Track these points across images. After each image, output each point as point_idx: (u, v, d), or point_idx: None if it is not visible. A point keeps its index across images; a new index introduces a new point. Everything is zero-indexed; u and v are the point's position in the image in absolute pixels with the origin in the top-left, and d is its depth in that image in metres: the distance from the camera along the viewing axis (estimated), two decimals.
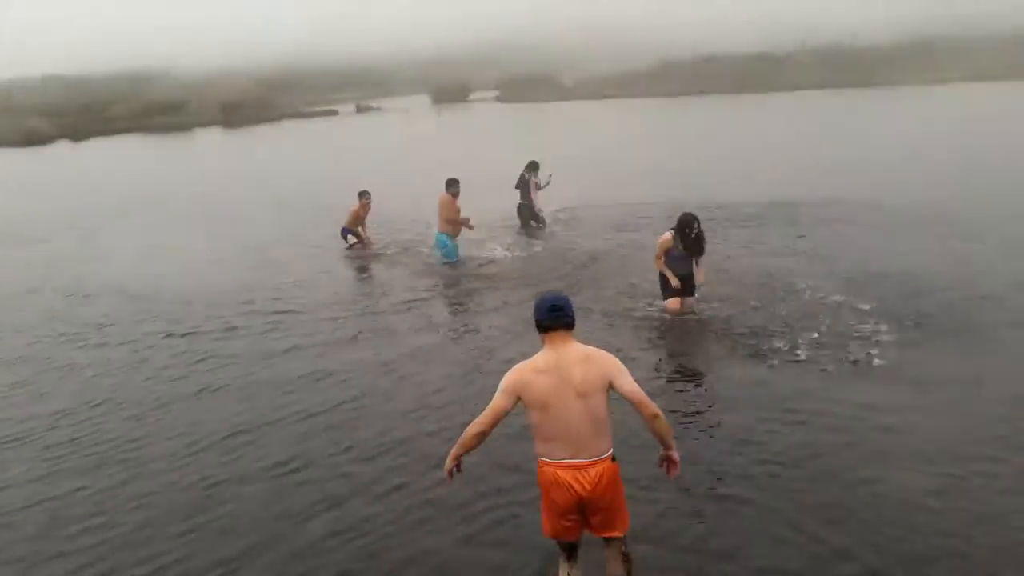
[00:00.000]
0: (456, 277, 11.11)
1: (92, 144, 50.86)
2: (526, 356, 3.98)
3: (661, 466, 4.05)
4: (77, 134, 56.26)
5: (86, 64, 76.99)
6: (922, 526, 4.54)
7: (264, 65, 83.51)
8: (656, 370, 7.35)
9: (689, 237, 8.73)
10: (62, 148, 49.99)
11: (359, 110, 69.61)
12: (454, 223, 11.62)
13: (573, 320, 3.95)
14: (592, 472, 3.81)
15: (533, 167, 13.93)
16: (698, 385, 6.96)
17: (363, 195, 13.55)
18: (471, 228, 12.04)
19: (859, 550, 4.40)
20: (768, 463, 5.37)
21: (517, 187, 14.04)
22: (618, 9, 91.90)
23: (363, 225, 13.78)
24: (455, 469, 3.98)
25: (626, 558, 4.10)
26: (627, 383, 3.82)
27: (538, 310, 3.95)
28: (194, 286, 11.22)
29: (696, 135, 31.19)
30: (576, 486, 3.80)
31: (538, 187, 13.91)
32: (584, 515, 3.94)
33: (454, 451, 3.94)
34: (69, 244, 15.89)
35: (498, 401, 3.88)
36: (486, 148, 30.49)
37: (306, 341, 8.57)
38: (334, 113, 67.92)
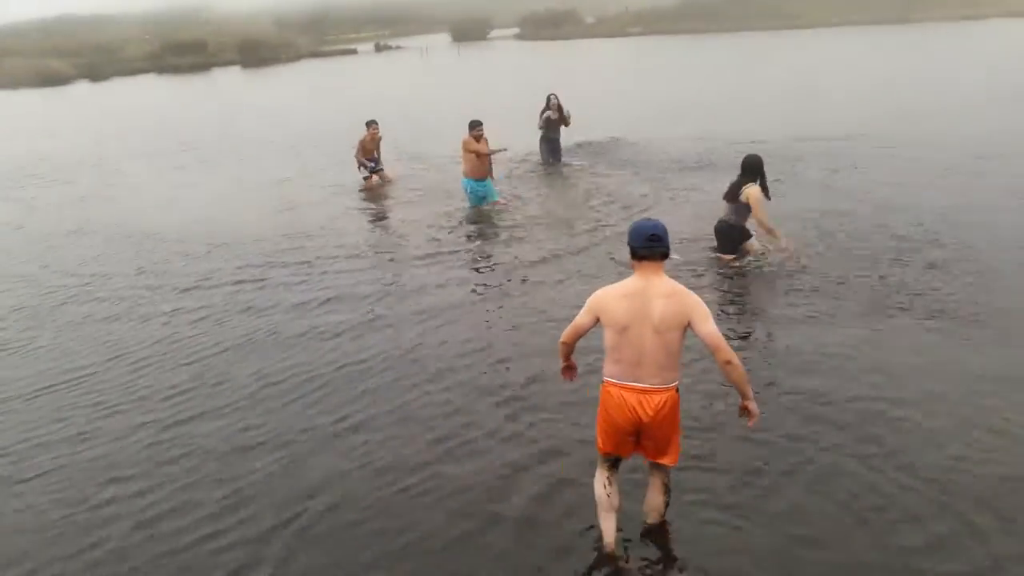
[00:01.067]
0: (480, 223, 10.77)
1: (110, 84, 50.66)
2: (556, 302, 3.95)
3: (741, 416, 4.00)
4: (94, 74, 56.09)
5: (101, 3, 76.41)
6: None
7: (282, 3, 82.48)
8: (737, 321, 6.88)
9: (766, 180, 7.84)
10: (81, 88, 49.84)
11: (378, 49, 68.76)
12: (479, 166, 11.29)
13: (668, 251, 3.88)
14: (656, 399, 3.87)
15: (548, 101, 13.71)
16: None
17: (370, 124, 13.46)
18: (505, 150, 11.89)
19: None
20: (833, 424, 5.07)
21: (541, 126, 13.87)
22: None
23: (378, 155, 13.75)
24: (569, 369, 4.31)
25: (667, 490, 4.17)
26: (706, 326, 3.75)
27: (635, 237, 3.84)
28: (218, 231, 11.02)
29: (716, 71, 30.42)
30: (639, 409, 3.88)
31: (564, 121, 13.71)
32: (639, 438, 4.02)
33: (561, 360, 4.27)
34: (95, 185, 15.81)
35: (579, 319, 4.00)
36: (503, 85, 30.11)
37: (344, 292, 8.20)
38: (353, 52, 67.08)
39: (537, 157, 14.19)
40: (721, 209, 8.15)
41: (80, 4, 76.60)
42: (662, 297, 3.79)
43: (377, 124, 13.52)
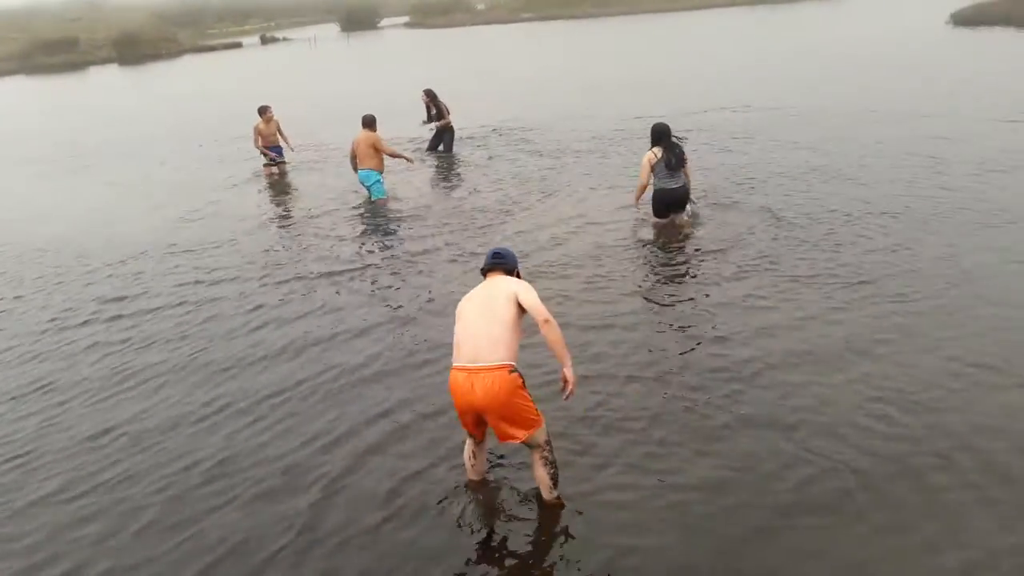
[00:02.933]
0: (387, 216, 10.60)
1: None
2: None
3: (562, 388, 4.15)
4: None
5: None
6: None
7: None
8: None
9: (676, 146, 8.48)
10: None
11: (264, 41, 66.74)
12: (376, 159, 11.09)
13: (512, 266, 4.45)
14: (485, 378, 3.98)
15: (430, 94, 13.79)
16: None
17: (263, 110, 13.36)
18: (411, 161, 12.06)
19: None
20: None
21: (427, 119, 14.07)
22: None
23: (282, 144, 13.62)
24: None
25: (547, 462, 4.23)
26: (529, 296, 4.14)
27: (485, 259, 4.50)
28: (107, 245, 10.19)
29: (606, 53, 30.99)
30: (467, 388, 4.01)
31: (433, 116, 13.93)
32: (484, 420, 4.16)
33: None
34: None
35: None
36: (385, 76, 29.80)
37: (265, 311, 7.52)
38: (238, 46, 64.88)
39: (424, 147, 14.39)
40: (672, 178, 8.54)
41: None
42: (496, 284, 4.29)
43: (270, 108, 13.37)
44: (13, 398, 6.27)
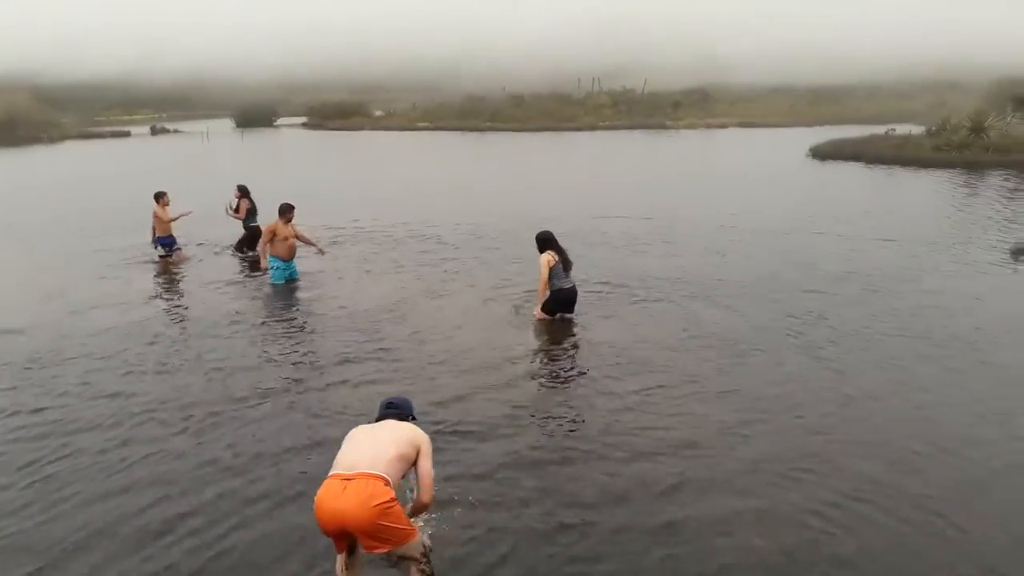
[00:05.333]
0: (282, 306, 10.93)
1: None
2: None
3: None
4: None
5: None
6: None
7: (47, 77, 76.86)
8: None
9: (563, 249, 9.32)
10: None
11: (154, 132, 65.63)
12: (288, 246, 11.75)
13: (406, 415, 4.51)
14: (360, 483, 3.87)
15: (243, 190, 14.19)
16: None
17: (159, 196, 13.30)
18: (323, 253, 12.72)
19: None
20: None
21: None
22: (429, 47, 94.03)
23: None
24: None
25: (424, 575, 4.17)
26: (427, 458, 4.23)
27: (380, 406, 4.58)
28: None
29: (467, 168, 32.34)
30: (336, 492, 3.87)
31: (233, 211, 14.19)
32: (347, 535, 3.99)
33: None
34: None
35: None
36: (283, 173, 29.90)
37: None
38: (126, 135, 63.41)
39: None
40: (567, 279, 9.44)
41: None
42: (393, 425, 4.32)
43: (165, 194, 13.27)
44: None
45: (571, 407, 7.24)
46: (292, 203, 11.97)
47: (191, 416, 7.06)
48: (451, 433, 6.56)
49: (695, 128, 56.31)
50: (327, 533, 4.02)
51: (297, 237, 11.97)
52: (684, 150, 40.13)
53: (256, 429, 6.76)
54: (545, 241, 9.37)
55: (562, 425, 6.81)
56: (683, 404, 7.18)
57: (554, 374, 8.13)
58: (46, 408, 7.32)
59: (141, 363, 8.55)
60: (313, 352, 8.86)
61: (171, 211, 13.38)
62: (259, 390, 7.66)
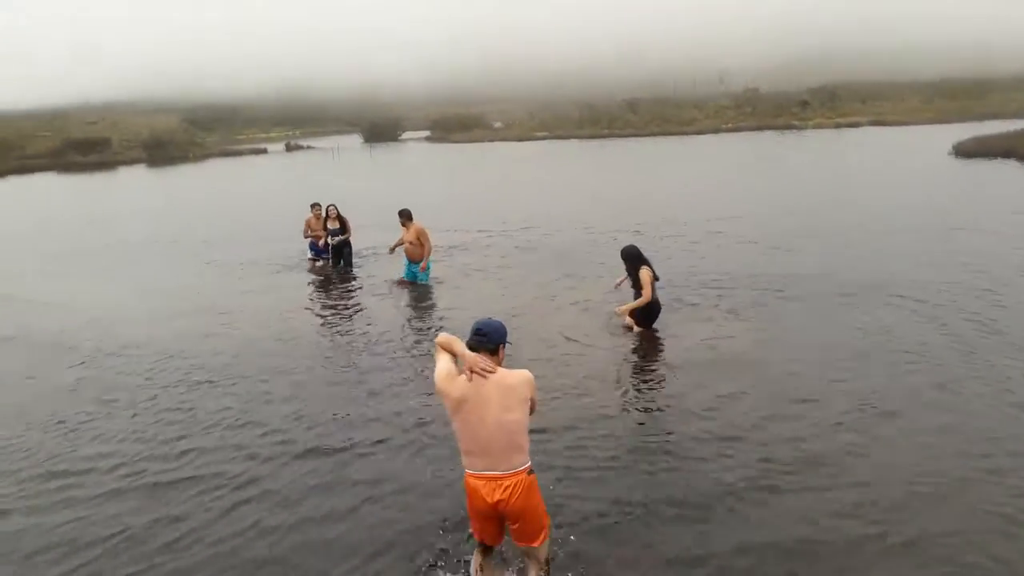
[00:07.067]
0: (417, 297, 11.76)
1: (8, 183, 48.96)
2: None
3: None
4: None
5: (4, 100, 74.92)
6: None
7: (192, 100, 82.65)
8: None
9: (650, 262, 9.45)
10: None
11: (289, 148, 69.38)
12: (410, 249, 12.68)
13: (496, 344, 4.16)
14: (507, 483, 4.13)
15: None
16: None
17: (314, 206, 14.63)
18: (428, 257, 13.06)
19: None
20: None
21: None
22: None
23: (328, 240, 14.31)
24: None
25: (544, 569, 4.41)
26: (535, 398, 4.22)
27: (470, 332, 4.22)
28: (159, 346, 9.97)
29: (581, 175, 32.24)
30: (493, 496, 4.13)
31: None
32: (502, 523, 4.29)
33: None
34: (28, 288, 14.31)
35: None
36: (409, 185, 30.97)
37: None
38: (263, 152, 67.46)
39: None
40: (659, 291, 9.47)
41: None
42: (495, 382, 4.04)
43: (320, 206, 14.45)
44: None
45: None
46: (407, 209, 12.82)
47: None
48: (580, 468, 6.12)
49: (824, 128, 54.20)
50: (479, 528, 4.36)
51: (410, 242, 12.68)
52: (818, 149, 38.67)
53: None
54: (638, 257, 9.45)
55: (750, 452, 6.33)
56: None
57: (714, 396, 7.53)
58: (229, 408, 7.94)
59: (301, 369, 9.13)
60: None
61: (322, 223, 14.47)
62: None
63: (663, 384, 7.88)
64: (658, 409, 7.20)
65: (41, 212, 29.97)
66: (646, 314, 9.42)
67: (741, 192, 23.11)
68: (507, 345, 4.30)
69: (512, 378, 4.09)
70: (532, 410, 4.22)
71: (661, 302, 9.56)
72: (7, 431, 7.46)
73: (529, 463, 4.20)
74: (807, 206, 19.11)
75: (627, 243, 9.99)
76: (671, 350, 8.88)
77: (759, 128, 56.55)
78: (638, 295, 9.39)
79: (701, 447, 6.29)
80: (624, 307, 9.55)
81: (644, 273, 9.27)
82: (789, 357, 8.32)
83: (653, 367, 8.48)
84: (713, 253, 13.98)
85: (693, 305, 10.55)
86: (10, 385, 8.92)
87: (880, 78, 69.97)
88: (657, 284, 9.41)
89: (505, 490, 4.11)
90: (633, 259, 9.46)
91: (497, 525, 4.33)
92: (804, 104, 62.34)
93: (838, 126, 54.78)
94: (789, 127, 56.05)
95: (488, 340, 4.14)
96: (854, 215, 17.18)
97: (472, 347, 4.11)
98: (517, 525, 4.24)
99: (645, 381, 8.04)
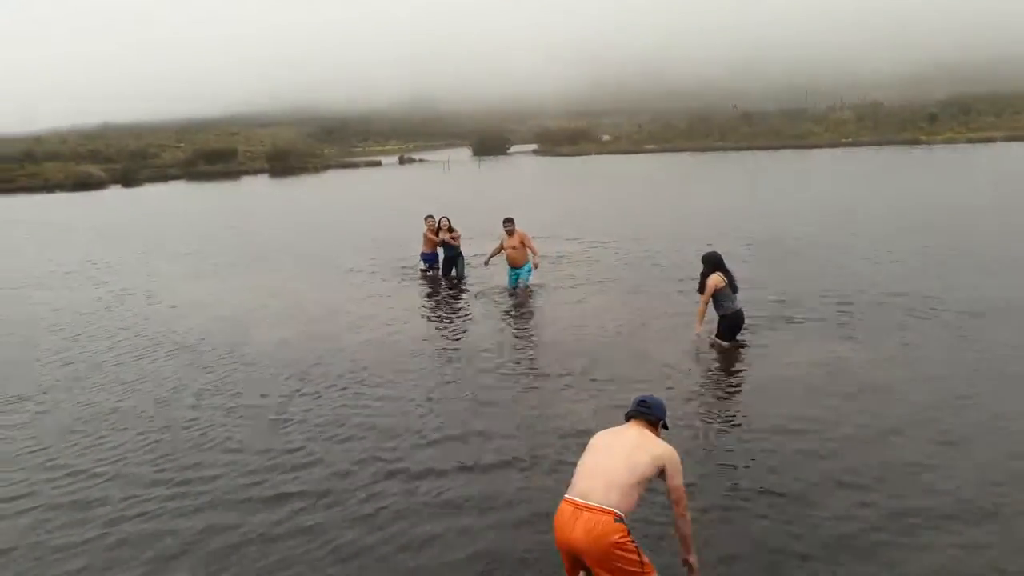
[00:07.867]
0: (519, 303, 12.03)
1: (142, 190, 52.31)
2: None
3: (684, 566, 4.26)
4: (127, 179, 58.51)
5: (141, 112, 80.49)
6: None
7: (312, 113, 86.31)
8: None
9: (730, 272, 9.08)
10: (112, 192, 51.47)
11: (402, 161, 71.40)
12: (513, 255, 13.04)
13: (657, 418, 4.34)
14: (589, 518, 3.85)
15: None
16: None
17: (428, 218, 15.00)
18: (536, 266, 13.36)
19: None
20: None
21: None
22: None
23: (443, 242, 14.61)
24: None
25: None
26: (676, 476, 4.08)
27: (632, 403, 4.43)
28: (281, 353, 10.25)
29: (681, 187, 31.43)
30: (568, 523, 3.89)
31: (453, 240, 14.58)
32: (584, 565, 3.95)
33: None
34: (152, 287, 15.43)
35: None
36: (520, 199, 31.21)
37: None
38: (377, 164, 69.66)
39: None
40: (736, 302, 9.10)
41: (120, 113, 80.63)
42: (640, 435, 4.20)
43: (433, 217, 14.94)
44: None
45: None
46: (510, 216, 13.16)
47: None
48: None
49: (955, 143, 51.25)
50: (563, 560, 4.10)
51: (513, 247, 12.97)
52: (944, 167, 36.59)
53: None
54: (715, 263, 9.11)
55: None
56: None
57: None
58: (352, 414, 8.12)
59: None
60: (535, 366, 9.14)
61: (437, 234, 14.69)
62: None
63: (758, 411, 7.34)
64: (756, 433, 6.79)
65: (180, 217, 31.72)
66: (728, 327, 9.12)
67: (859, 207, 22.00)
68: (665, 427, 4.41)
69: (659, 444, 4.18)
70: (672, 494, 4.09)
71: (746, 315, 9.24)
72: (143, 430, 7.75)
73: (623, 515, 3.89)
74: (947, 224, 18.01)
75: (711, 250, 9.63)
76: (767, 368, 8.51)
77: (878, 143, 54.07)
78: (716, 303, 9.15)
79: (825, 495, 5.67)
80: (698, 324, 9.20)
81: (709, 280, 9.04)
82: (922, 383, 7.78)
83: (738, 387, 8.09)
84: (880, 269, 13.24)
85: (800, 323, 10.09)
86: (156, 383, 9.36)
87: (1017, 89, 65.59)
88: (734, 294, 9.06)
89: (582, 525, 3.84)
90: (706, 264, 9.17)
91: (571, 561, 4.00)
92: (932, 117, 59.22)
93: (970, 141, 51.75)
94: (915, 142, 53.34)
95: (650, 412, 4.33)
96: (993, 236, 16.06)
97: (633, 416, 4.33)
98: (596, 569, 3.89)
99: (740, 410, 7.49)
